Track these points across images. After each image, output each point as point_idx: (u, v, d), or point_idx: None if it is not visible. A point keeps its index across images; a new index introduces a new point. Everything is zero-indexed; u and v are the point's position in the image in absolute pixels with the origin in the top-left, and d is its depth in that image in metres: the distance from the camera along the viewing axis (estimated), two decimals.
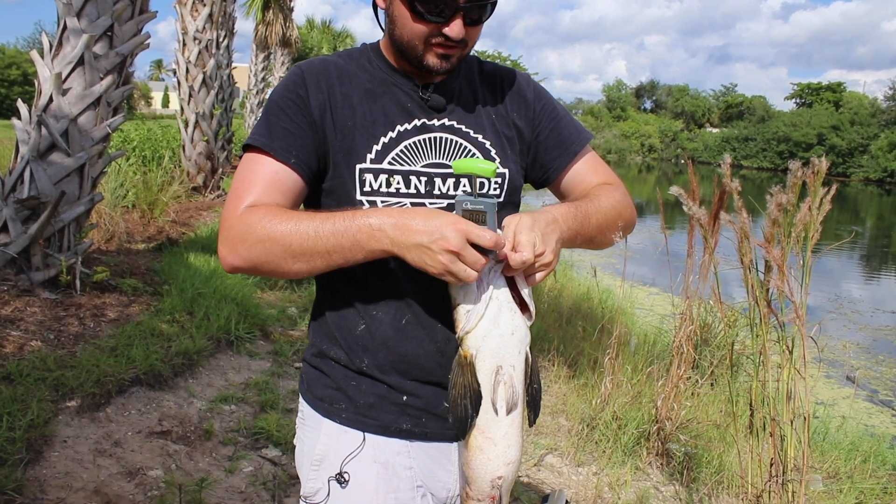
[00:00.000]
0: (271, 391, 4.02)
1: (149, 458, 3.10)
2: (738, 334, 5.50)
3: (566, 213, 1.35)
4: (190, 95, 10.74)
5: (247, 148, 1.35)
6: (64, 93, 4.78)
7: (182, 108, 10.90)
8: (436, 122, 1.41)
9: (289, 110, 1.34)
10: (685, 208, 2.37)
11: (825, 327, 9.10)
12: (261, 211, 1.25)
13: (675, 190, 2.29)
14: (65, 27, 4.83)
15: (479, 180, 1.38)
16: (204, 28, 10.65)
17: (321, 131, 1.35)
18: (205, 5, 10.65)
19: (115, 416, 3.36)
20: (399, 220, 1.18)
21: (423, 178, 1.38)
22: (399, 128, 1.38)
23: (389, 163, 1.36)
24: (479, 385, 1.22)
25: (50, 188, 4.66)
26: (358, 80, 1.40)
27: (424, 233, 1.14)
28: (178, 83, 10.92)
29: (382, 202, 1.35)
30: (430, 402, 1.39)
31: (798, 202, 2.32)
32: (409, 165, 1.37)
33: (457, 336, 1.23)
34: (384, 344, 1.38)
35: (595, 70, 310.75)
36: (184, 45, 10.71)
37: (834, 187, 2.32)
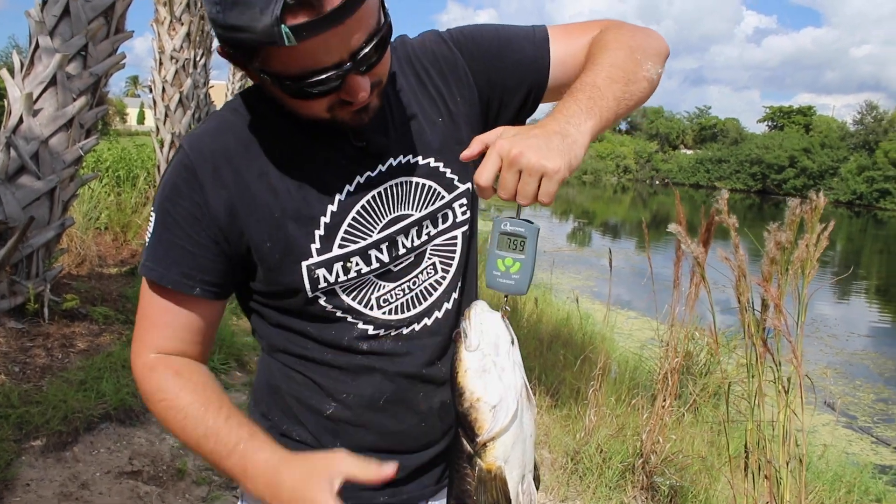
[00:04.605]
0: None
1: (118, 500, 2.95)
2: (720, 363, 5.48)
3: (570, 112, 1.02)
4: (166, 115, 10.59)
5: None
6: (35, 114, 4.64)
7: (158, 128, 10.74)
8: (382, 169, 1.13)
9: (183, 223, 1.07)
10: (684, 247, 2.32)
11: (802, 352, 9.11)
12: (156, 379, 1.11)
13: (673, 228, 2.24)
14: (37, 46, 4.70)
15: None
16: (181, 47, 10.53)
17: (234, 239, 1.09)
18: (182, 24, 10.53)
19: (82, 455, 3.21)
20: (273, 478, 1.03)
21: (385, 245, 1.14)
22: (339, 197, 1.10)
23: (340, 245, 1.11)
24: (508, 501, 1.05)
25: (18, 212, 4.50)
26: (268, 144, 1.10)
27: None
28: (154, 102, 10.77)
29: (343, 290, 1.13)
30: (410, 467, 1.25)
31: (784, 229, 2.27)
32: (365, 238, 1.12)
33: (477, 441, 1.02)
34: (359, 427, 1.21)
35: None
36: (160, 64, 10.57)
37: (832, 223, 2.27)
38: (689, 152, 76.87)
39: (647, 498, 3.79)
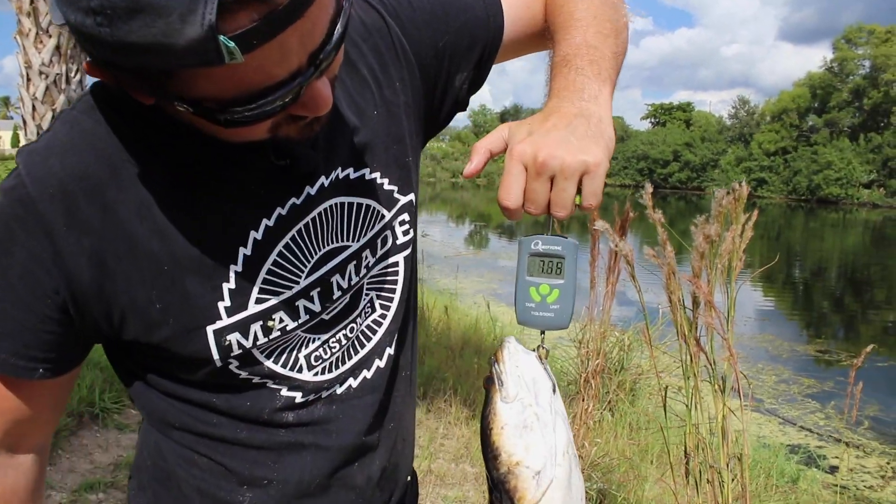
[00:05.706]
0: None
1: None
2: (633, 358, 5.52)
3: (578, 85, 0.81)
4: (38, 136, 9.89)
5: None
6: None
7: None
8: (310, 192, 0.82)
9: (17, 282, 0.73)
10: (612, 245, 2.22)
11: (703, 340, 9.41)
12: None
13: (600, 225, 2.13)
14: None
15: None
16: (51, 62, 9.84)
17: (97, 306, 0.76)
18: (50, 36, 9.84)
19: None
20: None
21: (316, 290, 0.85)
22: (255, 236, 0.79)
23: (258, 300, 0.81)
24: None
25: None
26: (147, 163, 0.75)
27: None
28: (25, 122, 10.04)
29: (263, 352, 0.84)
30: None
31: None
32: (291, 286, 0.82)
33: None
34: None
35: None
36: (28, 80, 9.85)
37: (755, 213, 2.20)
38: None
39: None
